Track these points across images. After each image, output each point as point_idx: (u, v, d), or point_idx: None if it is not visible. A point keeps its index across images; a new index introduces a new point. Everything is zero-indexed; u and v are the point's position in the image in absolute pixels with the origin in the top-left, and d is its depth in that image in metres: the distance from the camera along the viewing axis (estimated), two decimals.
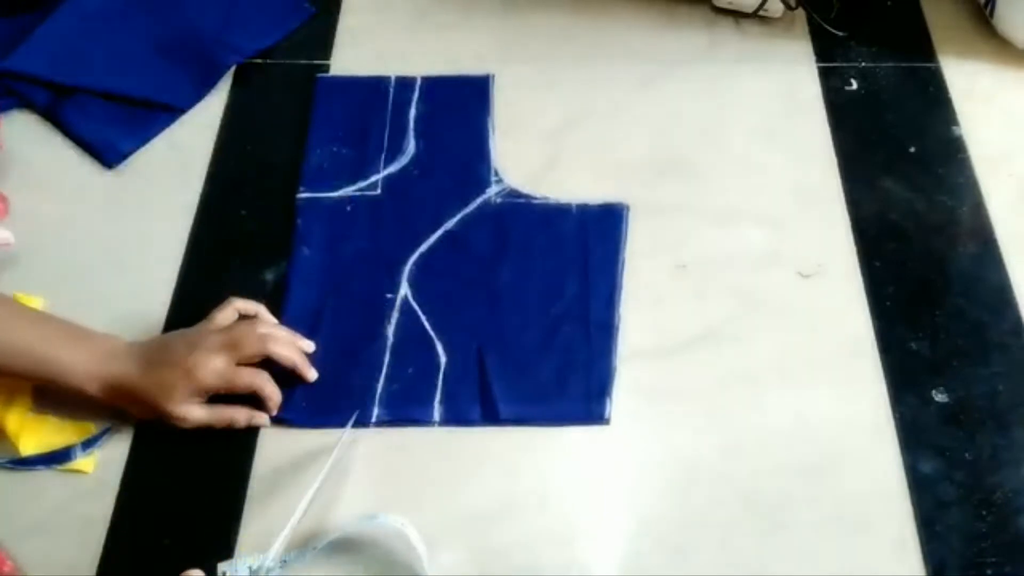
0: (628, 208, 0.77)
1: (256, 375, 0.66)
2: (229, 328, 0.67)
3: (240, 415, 0.66)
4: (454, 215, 0.77)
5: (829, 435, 0.66)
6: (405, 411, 0.68)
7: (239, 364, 0.65)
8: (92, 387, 0.64)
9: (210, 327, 0.67)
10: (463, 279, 0.74)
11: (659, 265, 0.75)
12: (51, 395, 0.67)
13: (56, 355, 0.64)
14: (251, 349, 0.65)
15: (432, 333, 0.71)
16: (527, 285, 0.73)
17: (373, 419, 0.67)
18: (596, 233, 0.76)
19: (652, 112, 0.84)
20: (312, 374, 0.68)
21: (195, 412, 0.65)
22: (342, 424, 0.66)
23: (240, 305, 0.69)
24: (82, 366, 0.64)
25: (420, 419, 0.68)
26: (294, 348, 0.68)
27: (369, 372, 0.69)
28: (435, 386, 0.69)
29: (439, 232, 0.77)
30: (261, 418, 0.67)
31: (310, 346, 0.70)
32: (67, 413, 0.68)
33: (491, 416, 0.67)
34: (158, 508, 0.65)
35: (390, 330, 0.71)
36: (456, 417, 0.68)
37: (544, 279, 0.74)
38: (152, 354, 0.65)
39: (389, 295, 0.73)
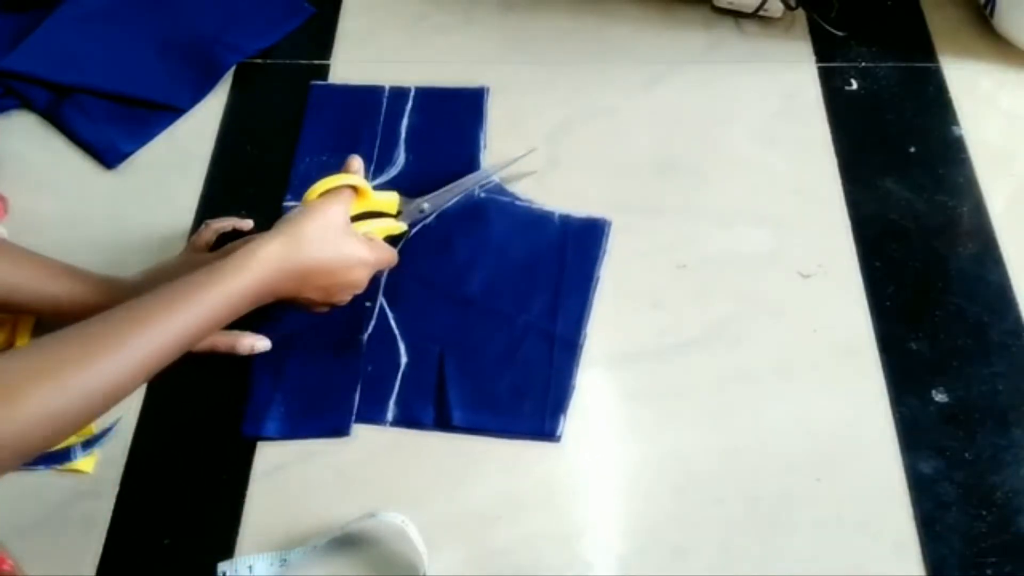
0: (610, 223, 0.76)
1: None
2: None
3: (244, 340, 0.68)
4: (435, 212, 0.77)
5: (829, 435, 0.66)
6: (359, 410, 0.67)
7: None
8: None
9: (195, 255, 0.71)
10: (434, 280, 0.73)
11: (659, 265, 0.75)
12: None
13: (81, 298, 0.66)
14: None
15: (397, 331, 0.71)
16: (498, 293, 0.73)
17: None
18: (575, 247, 0.75)
19: (652, 112, 0.84)
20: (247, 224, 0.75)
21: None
22: (321, 435, 0.67)
23: (216, 225, 0.74)
24: (106, 304, 0.65)
25: (373, 419, 0.67)
26: None
27: (347, 383, 0.68)
28: (392, 387, 0.69)
29: (417, 227, 0.76)
30: (262, 343, 0.69)
31: None
32: None
33: (444, 421, 0.67)
34: (158, 508, 0.65)
35: (364, 336, 0.71)
36: (409, 419, 0.67)
37: (515, 288, 0.73)
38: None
39: (368, 303, 0.72)
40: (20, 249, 0.67)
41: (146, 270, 0.72)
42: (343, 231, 0.65)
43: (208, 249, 0.73)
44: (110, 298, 0.67)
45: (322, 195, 0.66)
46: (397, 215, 0.74)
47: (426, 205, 0.75)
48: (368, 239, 0.68)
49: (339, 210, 0.65)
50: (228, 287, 0.58)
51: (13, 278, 0.65)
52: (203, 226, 0.74)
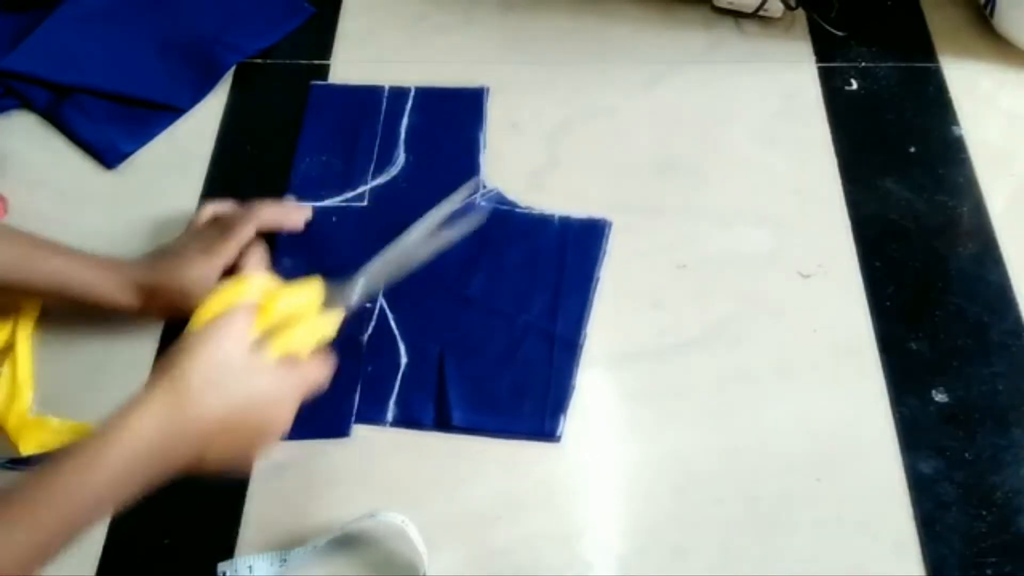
0: (611, 224, 0.76)
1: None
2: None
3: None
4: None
5: (829, 435, 0.66)
6: (359, 410, 0.68)
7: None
8: (122, 295, 0.67)
9: (192, 231, 0.71)
10: (434, 281, 0.73)
11: (659, 265, 0.75)
12: (51, 395, 0.67)
13: (82, 275, 0.66)
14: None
15: (397, 331, 0.71)
16: (498, 293, 0.73)
17: None
18: (575, 248, 0.75)
19: (652, 112, 0.84)
20: (299, 216, 0.75)
21: None
22: (321, 436, 0.67)
23: (213, 207, 0.73)
24: (110, 280, 0.66)
25: (373, 419, 0.68)
26: (274, 212, 0.73)
27: (347, 384, 0.68)
28: (392, 387, 0.69)
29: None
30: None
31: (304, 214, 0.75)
32: (67, 414, 0.68)
33: (444, 421, 0.67)
34: (158, 508, 0.64)
35: (364, 336, 0.71)
36: (409, 419, 0.67)
37: (516, 289, 0.73)
38: (169, 259, 0.68)
39: (368, 304, 0.72)
40: (16, 229, 0.67)
41: (151, 252, 0.71)
42: (244, 366, 0.51)
43: (205, 231, 0.71)
44: (112, 274, 0.67)
45: (216, 316, 0.52)
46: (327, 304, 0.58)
47: (362, 280, 0.60)
48: (285, 359, 0.54)
49: (237, 337, 0.51)
50: (94, 476, 0.46)
51: (10, 255, 0.65)
52: (202, 207, 0.74)
